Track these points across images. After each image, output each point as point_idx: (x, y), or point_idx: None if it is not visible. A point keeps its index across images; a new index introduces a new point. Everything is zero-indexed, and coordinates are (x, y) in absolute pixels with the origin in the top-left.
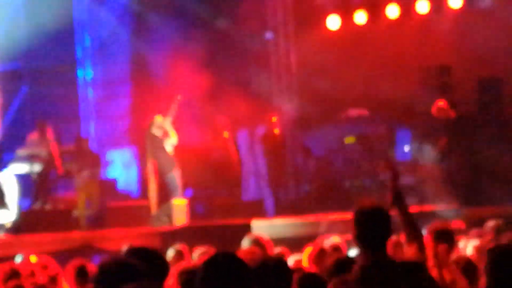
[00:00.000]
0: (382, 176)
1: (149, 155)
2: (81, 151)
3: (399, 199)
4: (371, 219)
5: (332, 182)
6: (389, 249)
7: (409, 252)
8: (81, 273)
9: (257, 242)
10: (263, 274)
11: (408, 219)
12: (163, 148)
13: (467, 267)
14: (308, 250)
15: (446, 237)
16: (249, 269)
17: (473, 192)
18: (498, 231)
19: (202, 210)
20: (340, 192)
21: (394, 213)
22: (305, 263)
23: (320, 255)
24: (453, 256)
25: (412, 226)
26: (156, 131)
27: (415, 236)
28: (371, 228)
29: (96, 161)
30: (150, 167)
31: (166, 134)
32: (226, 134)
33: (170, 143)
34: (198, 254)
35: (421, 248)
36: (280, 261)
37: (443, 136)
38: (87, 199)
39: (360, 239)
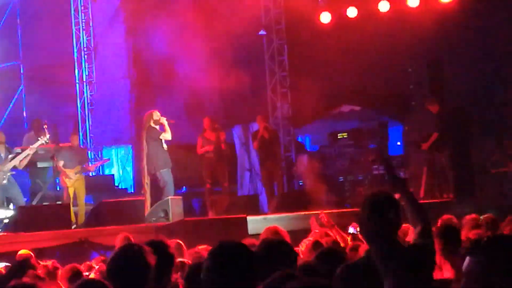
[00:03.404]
0: (374, 170)
1: (145, 148)
2: (70, 147)
3: (399, 185)
4: (380, 206)
5: (325, 177)
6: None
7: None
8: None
9: (275, 233)
10: (267, 255)
11: (412, 202)
12: (160, 142)
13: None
14: (305, 242)
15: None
16: (254, 256)
17: (465, 186)
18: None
19: (198, 206)
20: (333, 187)
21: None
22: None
23: (315, 246)
24: None
25: (416, 209)
26: (153, 124)
27: (421, 218)
28: (380, 216)
29: (84, 157)
30: (145, 161)
31: (162, 129)
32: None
33: (166, 137)
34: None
35: (426, 230)
36: (283, 242)
37: (435, 130)
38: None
39: (369, 228)
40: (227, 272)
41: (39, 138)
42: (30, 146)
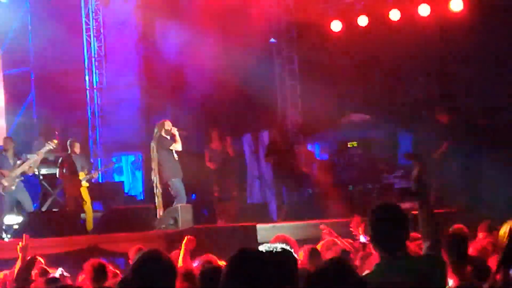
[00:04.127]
0: (384, 179)
1: (154, 157)
2: (73, 155)
3: (422, 194)
4: (388, 218)
5: (334, 186)
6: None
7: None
8: (99, 271)
9: (285, 242)
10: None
11: (428, 215)
12: (170, 152)
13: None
14: (303, 249)
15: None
16: (270, 264)
17: (474, 196)
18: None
19: (207, 214)
20: (342, 196)
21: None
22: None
23: (312, 254)
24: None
25: (430, 223)
26: (165, 134)
27: (431, 232)
28: (388, 228)
29: (86, 164)
30: (155, 170)
31: (173, 138)
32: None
33: (176, 148)
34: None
35: (436, 244)
36: (286, 250)
37: (445, 140)
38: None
39: (377, 240)
40: (248, 279)
41: (46, 144)
42: (38, 151)
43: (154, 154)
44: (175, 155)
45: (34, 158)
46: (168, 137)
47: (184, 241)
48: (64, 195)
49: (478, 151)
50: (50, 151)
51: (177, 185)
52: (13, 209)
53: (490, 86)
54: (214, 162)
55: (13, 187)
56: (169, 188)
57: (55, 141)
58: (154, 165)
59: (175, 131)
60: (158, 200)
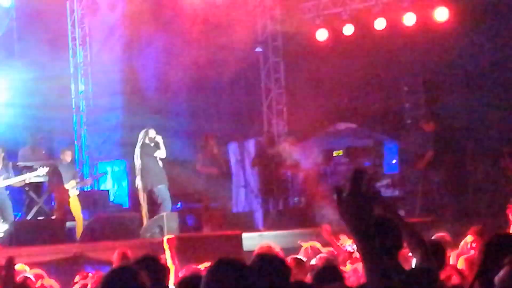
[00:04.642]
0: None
1: (137, 164)
2: (63, 163)
3: (390, 210)
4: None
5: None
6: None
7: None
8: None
9: (269, 250)
10: (260, 269)
11: (406, 227)
12: (155, 159)
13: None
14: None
15: (437, 252)
16: (251, 272)
17: (459, 205)
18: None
19: (193, 222)
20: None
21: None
22: None
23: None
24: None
25: (412, 234)
26: (148, 141)
27: (417, 243)
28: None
29: (75, 172)
30: (139, 178)
31: (157, 146)
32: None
33: (160, 155)
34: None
35: (426, 254)
36: (276, 256)
37: (430, 149)
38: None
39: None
40: (225, 285)
41: (39, 168)
42: (27, 174)
43: (137, 161)
44: (160, 163)
45: (21, 178)
46: (152, 144)
47: (165, 244)
48: (50, 203)
49: (462, 160)
50: (37, 175)
51: (162, 191)
52: None
53: (477, 95)
54: (209, 167)
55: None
56: (154, 195)
57: (46, 169)
58: (137, 171)
59: (159, 138)
60: (143, 207)
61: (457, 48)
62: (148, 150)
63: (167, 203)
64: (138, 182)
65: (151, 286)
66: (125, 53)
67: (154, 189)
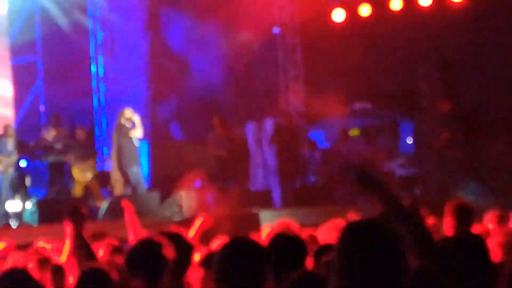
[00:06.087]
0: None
1: (114, 145)
2: (78, 141)
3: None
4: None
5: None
6: None
7: None
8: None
9: (286, 226)
10: (277, 248)
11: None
12: (130, 139)
13: None
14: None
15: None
16: (265, 251)
17: (476, 185)
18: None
19: (212, 200)
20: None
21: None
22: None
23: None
24: None
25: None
26: (125, 122)
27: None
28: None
29: (92, 153)
30: (113, 157)
31: (134, 126)
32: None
33: (136, 135)
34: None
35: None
36: (294, 236)
37: (446, 129)
38: (85, 190)
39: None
40: (236, 266)
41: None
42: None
43: (114, 142)
44: (135, 143)
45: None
46: (128, 125)
47: (198, 222)
48: (71, 182)
49: (479, 140)
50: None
51: (135, 173)
52: (13, 195)
53: (493, 76)
54: (218, 148)
55: (10, 172)
56: (128, 176)
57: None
58: (113, 152)
59: (135, 118)
60: (116, 188)
61: (473, 28)
62: (123, 130)
63: (141, 184)
64: (114, 162)
65: (175, 262)
66: (146, 33)
67: (127, 170)
